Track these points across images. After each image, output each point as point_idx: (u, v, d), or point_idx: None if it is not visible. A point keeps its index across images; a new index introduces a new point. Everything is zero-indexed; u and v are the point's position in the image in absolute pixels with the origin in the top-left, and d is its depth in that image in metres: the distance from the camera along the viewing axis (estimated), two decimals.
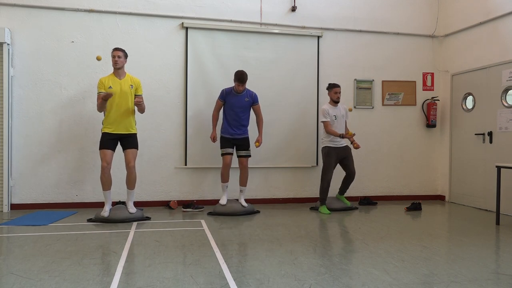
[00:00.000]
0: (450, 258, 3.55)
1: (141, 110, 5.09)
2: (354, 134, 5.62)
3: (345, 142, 5.92)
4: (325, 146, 5.81)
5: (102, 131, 4.95)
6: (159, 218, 5.20)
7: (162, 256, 3.50)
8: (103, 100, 4.77)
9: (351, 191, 6.59)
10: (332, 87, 5.80)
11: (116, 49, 4.95)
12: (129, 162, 4.98)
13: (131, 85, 5.00)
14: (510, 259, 3.51)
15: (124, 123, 4.95)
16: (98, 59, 4.96)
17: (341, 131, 5.81)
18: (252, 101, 5.55)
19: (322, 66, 6.54)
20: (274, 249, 3.77)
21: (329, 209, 5.77)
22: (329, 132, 5.69)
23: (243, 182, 5.61)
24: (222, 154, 5.52)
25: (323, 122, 5.76)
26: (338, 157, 5.80)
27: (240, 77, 5.36)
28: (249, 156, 5.61)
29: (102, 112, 5.01)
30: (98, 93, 4.88)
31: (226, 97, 5.49)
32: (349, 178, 5.90)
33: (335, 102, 5.81)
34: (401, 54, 6.87)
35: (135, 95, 5.03)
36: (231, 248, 3.77)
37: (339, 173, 6.09)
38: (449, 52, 6.86)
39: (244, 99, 5.49)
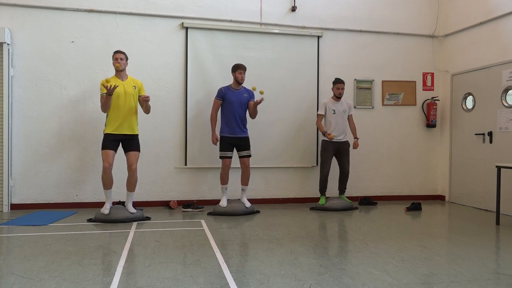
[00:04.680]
0: (450, 258, 3.55)
1: (147, 109, 5.13)
2: (332, 138, 5.82)
3: (345, 138, 6.00)
4: (323, 140, 6.05)
5: (105, 132, 4.95)
6: (159, 218, 5.20)
7: (162, 256, 3.50)
8: (109, 95, 4.74)
9: (351, 191, 6.60)
10: (335, 83, 5.97)
11: (117, 52, 4.98)
12: (132, 164, 4.99)
13: (134, 86, 5.02)
14: (510, 259, 3.51)
15: (128, 124, 4.96)
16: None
17: (339, 125, 5.95)
18: (249, 97, 5.58)
19: (322, 66, 6.54)
20: (274, 249, 3.77)
21: (329, 209, 5.81)
22: (317, 124, 6.05)
23: (245, 181, 5.62)
24: (222, 157, 5.52)
25: (317, 114, 6.08)
26: (334, 151, 5.99)
27: (240, 64, 5.51)
28: (250, 155, 5.62)
29: (105, 114, 5.02)
30: (101, 94, 4.88)
31: (225, 94, 5.50)
32: (341, 175, 6.10)
33: (337, 97, 5.92)
34: (401, 54, 6.87)
35: (138, 96, 5.06)
36: (231, 248, 3.77)
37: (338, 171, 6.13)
38: (449, 52, 6.86)
39: (243, 95, 5.52)
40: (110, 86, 4.66)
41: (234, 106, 5.47)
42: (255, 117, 5.63)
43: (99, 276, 2.99)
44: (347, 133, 6.07)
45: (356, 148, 6.06)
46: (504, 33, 5.76)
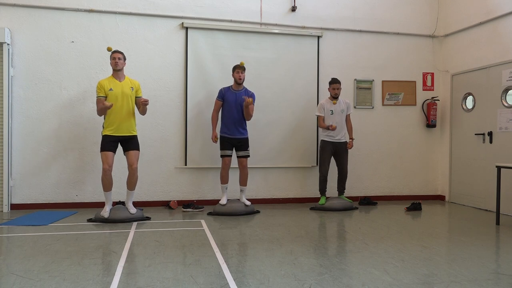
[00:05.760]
0: (450, 258, 3.55)
1: (144, 111, 5.11)
2: (335, 128, 5.76)
3: (343, 138, 5.96)
4: (321, 140, 6.07)
5: (103, 134, 4.94)
6: (159, 218, 5.20)
7: (162, 256, 3.50)
8: (104, 108, 4.77)
9: (351, 191, 6.60)
10: (331, 83, 5.98)
11: (115, 51, 4.97)
12: (132, 163, 4.98)
13: (132, 87, 5.01)
14: (510, 259, 3.51)
15: (126, 125, 4.95)
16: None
17: (337, 126, 5.92)
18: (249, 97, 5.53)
19: (322, 66, 6.54)
20: (274, 249, 3.77)
21: (329, 209, 5.81)
22: (319, 126, 6.05)
23: (243, 182, 5.62)
24: (221, 156, 5.54)
25: (316, 115, 6.07)
26: (332, 151, 5.99)
27: (238, 64, 5.51)
28: (248, 156, 5.62)
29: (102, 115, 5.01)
30: (97, 97, 4.88)
31: (224, 95, 5.50)
32: (340, 175, 6.11)
33: (333, 97, 5.92)
34: (401, 54, 6.87)
35: (136, 97, 5.05)
36: (231, 248, 3.77)
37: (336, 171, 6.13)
38: (449, 52, 6.86)
39: (242, 96, 5.49)
40: (107, 104, 4.69)
41: (232, 107, 5.47)
42: (249, 119, 5.54)
43: (99, 276, 2.99)
44: (346, 134, 6.07)
45: (350, 148, 6.04)
46: (504, 33, 5.76)
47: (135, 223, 4.85)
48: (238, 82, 5.47)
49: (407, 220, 5.22)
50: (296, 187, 6.51)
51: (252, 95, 5.57)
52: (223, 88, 5.58)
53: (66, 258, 3.43)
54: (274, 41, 6.34)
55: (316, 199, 6.34)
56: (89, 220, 4.94)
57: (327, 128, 5.83)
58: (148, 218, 5.09)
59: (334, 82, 5.92)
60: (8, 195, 5.56)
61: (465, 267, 3.26)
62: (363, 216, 5.48)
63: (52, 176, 5.72)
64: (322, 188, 6.02)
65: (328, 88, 6.01)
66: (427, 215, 5.58)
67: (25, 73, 5.64)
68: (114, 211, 4.95)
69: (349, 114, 6.08)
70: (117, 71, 4.97)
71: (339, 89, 5.91)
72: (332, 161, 6.11)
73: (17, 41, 5.61)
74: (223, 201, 5.50)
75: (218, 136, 5.60)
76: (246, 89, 5.59)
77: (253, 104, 5.51)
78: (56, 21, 5.72)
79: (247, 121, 5.62)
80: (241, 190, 5.65)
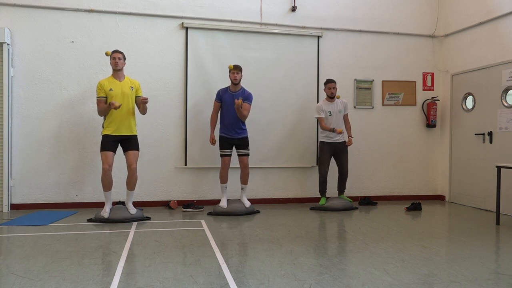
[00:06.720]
0: (450, 258, 3.55)
1: (144, 110, 5.11)
2: (341, 132, 5.75)
3: (342, 138, 5.97)
4: (320, 141, 6.06)
5: (103, 134, 4.95)
6: (159, 218, 5.20)
7: (162, 256, 3.50)
8: (109, 107, 4.76)
9: (351, 191, 6.60)
10: (326, 83, 5.97)
11: (115, 51, 4.97)
12: (131, 164, 4.98)
13: (131, 87, 5.01)
14: (510, 259, 3.51)
15: (126, 125, 4.95)
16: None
17: (337, 126, 5.91)
18: (244, 99, 5.44)
19: (322, 66, 6.54)
20: (274, 249, 3.77)
21: (329, 209, 5.81)
22: (322, 128, 5.98)
23: (244, 180, 5.62)
24: (221, 155, 5.54)
25: (316, 118, 6.04)
26: (331, 152, 5.98)
27: (235, 64, 5.48)
28: (248, 154, 5.62)
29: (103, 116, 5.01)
30: (98, 97, 4.88)
31: (222, 96, 5.50)
32: (340, 175, 6.09)
33: (330, 97, 5.93)
34: (401, 54, 6.87)
35: (136, 96, 5.05)
36: (231, 248, 3.77)
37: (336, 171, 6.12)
38: (449, 52, 6.86)
39: (238, 97, 5.47)
40: (116, 104, 4.67)
41: (230, 108, 5.45)
42: (244, 119, 5.47)
43: (99, 276, 3.00)
44: (345, 133, 6.07)
45: (349, 145, 6.01)
46: (504, 33, 5.76)
47: (135, 223, 4.85)
48: (234, 82, 5.46)
49: (407, 220, 5.22)
50: (296, 187, 6.51)
51: (248, 96, 5.53)
52: (221, 89, 5.58)
53: (66, 258, 3.43)
54: (274, 41, 6.34)
55: (316, 199, 6.34)
56: (89, 220, 4.94)
57: (332, 130, 5.77)
58: (148, 218, 5.09)
59: (330, 82, 5.93)
60: (8, 195, 5.56)
61: (465, 267, 3.27)
62: (363, 216, 5.48)
63: (52, 176, 5.72)
64: (322, 189, 6.02)
65: (324, 89, 6.01)
66: (427, 215, 5.58)
67: (25, 73, 5.64)
68: (114, 211, 4.95)
69: (347, 114, 6.06)
70: (117, 71, 4.97)
71: (335, 88, 5.91)
72: (333, 161, 6.11)
73: (17, 41, 5.61)
74: (223, 204, 5.48)
75: (217, 138, 5.61)
76: (244, 89, 5.57)
77: (250, 104, 5.48)
78: (56, 21, 5.72)
79: (248, 120, 5.62)
80: (242, 189, 5.65)
